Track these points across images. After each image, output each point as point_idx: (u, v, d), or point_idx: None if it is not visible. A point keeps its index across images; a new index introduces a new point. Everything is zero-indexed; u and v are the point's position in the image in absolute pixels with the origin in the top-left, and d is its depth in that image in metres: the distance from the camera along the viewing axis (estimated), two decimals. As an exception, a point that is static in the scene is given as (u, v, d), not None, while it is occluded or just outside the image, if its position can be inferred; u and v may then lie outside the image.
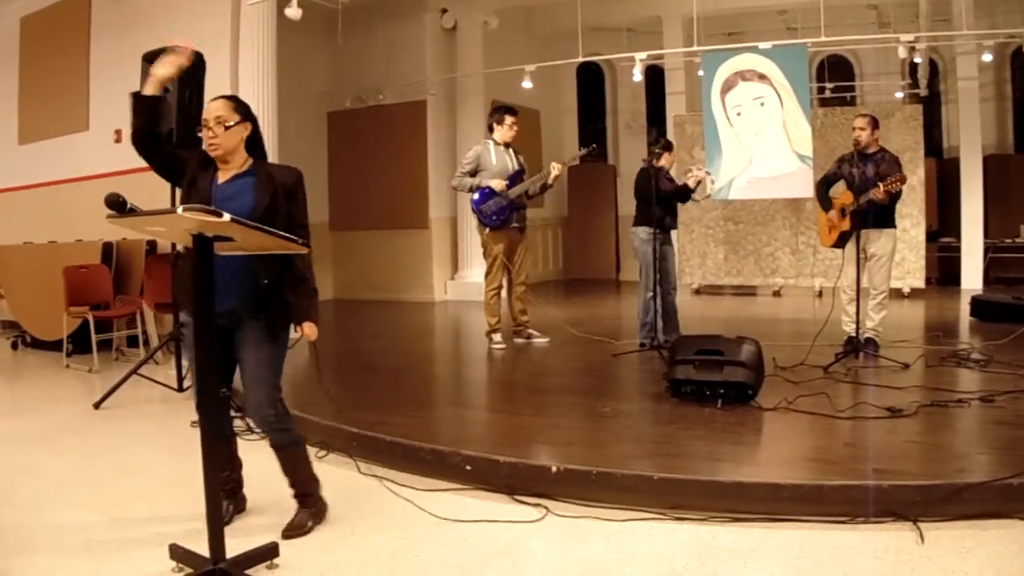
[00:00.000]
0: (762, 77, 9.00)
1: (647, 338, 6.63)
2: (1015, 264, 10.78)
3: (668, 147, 6.86)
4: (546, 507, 3.52)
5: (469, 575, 2.95)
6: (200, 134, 3.20)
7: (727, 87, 9.23)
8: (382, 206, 11.35)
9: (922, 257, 9.85)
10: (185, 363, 6.03)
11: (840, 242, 6.21)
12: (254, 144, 3.29)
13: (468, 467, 3.88)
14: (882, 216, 6.01)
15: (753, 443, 4.16)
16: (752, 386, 4.66)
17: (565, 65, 11.72)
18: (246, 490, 3.60)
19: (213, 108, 3.20)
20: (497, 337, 7.05)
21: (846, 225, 6.08)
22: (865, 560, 2.92)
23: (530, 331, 7.21)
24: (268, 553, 2.97)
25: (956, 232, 10.66)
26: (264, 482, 3.61)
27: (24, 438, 5.07)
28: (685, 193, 6.72)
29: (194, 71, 5.95)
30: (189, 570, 2.86)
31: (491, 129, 7.02)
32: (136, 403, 5.91)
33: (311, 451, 4.41)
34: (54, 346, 7.99)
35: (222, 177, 3.22)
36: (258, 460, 3.63)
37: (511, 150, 6.98)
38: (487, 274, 7.02)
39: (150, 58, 5.95)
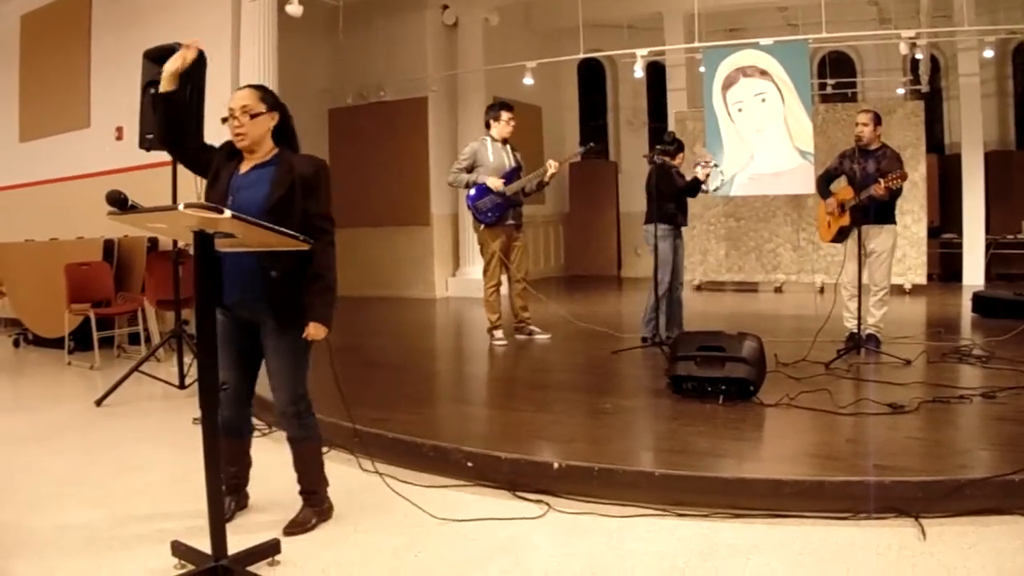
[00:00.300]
0: (763, 73, 9.00)
1: (651, 332, 6.57)
2: (1016, 260, 10.78)
3: (681, 147, 6.88)
4: (548, 503, 3.53)
5: (471, 572, 2.95)
6: (225, 124, 3.17)
7: (728, 83, 9.23)
8: (383, 203, 11.34)
9: (923, 253, 9.85)
10: (188, 359, 6.03)
11: (839, 237, 6.21)
12: (284, 134, 3.25)
13: (470, 463, 3.89)
14: (882, 212, 6.01)
15: (755, 439, 4.16)
16: (754, 382, 4.66)
17: (566, 61, 11.73)
18: (249, 487, 3.60)
19: (239, 97, 3.15)
20: (498, 334, 7.05)
21: (846, 220, 6.08)
22: (867, 556, 2.92)
23: (531, 327, 7.21)
24: (270, 550, 2.97)
25: (958, 228, 10.65)
26: (267, 479, 3.62)
27: (26, 436, 5.07)
28: (696, 187, 6.71)
29: (195, 68, 5.95)
30: (191, 567, 2.86)
31: (488, 125, 7.01)
32: (138, 400, 5.92)
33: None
34: (56, 343, 7.99)
35: (244, 167, 3.19)
36: (262, 458, 3.63)
37: (508, 147, 6.97)
38: (485, 271, 7.02)
39: (151, 55, 5.98)
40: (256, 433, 4.18)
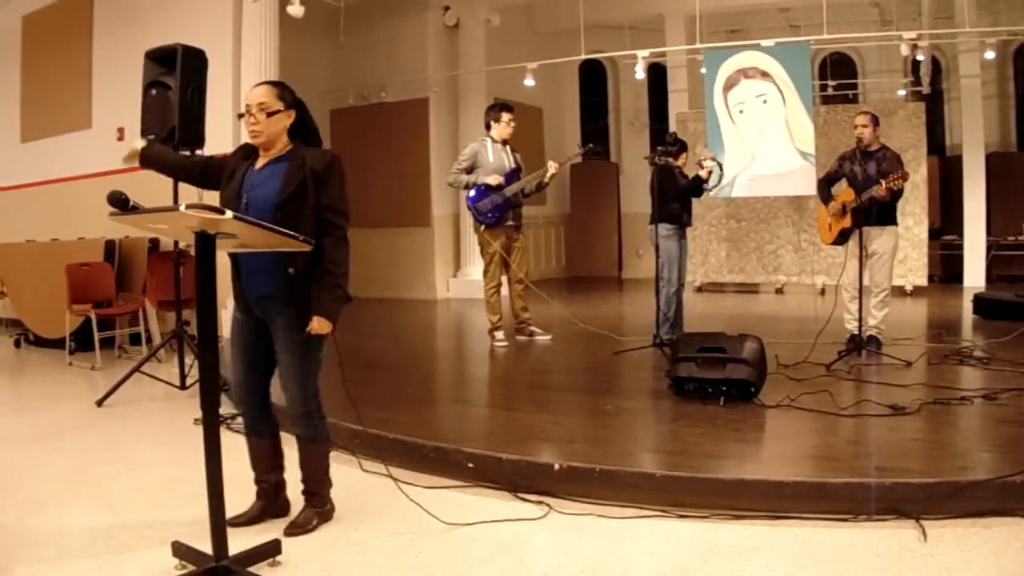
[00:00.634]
0: (764, 74, 9.00)
1: (668, 333, 6.57)
2: (1018, 262, 10.76)
3: (684, 147, 6.90)
4: (548, 504, 3.53)
5: (472, 573, 2.95)
6: (242, 120, 3.16)
7: (729, 84, 9.23)
8: (384, 204, 11.34)
9: (925, 255, 9.84)
10: (190, 360, 6.04)
11: (841, 239, 6.21)
12: (303, 131, 3.24)
13: (471, 464, 3.89)
14: (884, 214, 6.00)
15: (755, 441, 4.15)
16: (755, 384, 4.66)
17: (567, 63, 11.71)
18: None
19: (256, 94, 3.13)
20: (499, 335, 7.05)
21: (848, 222, 6.07)
22: (867, 558, 2.92)
23: (532, 328, 7.21)
24: (270, 550, 2.97)
25: (959, 230, 10.65)
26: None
27: (27, 436, 5.07)
28: (698, 186, 6.72)
29: (196, 69, 5.96)
30: (192, 567, 2.86)
31: (488, 127, 7.02)
32: (139, 400, 5.92)
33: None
34: (57, 344, 7.99)
35: (259, 164, 3.19)
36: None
37: (508, 148, 6.97)
38: (485, 272, 7.03)
39: (153, 55, 5.99)
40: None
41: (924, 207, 9.78)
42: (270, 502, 3.45)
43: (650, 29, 12.16)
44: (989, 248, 10.49)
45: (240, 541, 2.93)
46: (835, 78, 12.44)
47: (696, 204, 7.95)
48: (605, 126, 14.52)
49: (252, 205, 3.01)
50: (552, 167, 6.85)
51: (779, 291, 10.76)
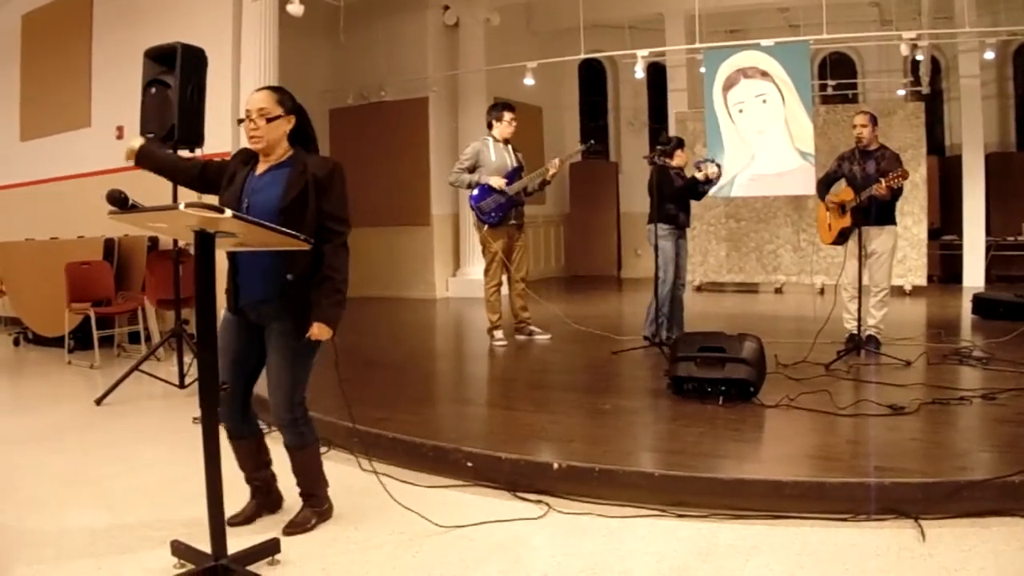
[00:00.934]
0: (764, 74, 9.00)
1: (651, 333, 6.59)
2: (1017, 262, 10.77)
3: (680, 144, 6.88)
4: (547, 504, 3.53)
5: (470, 572, 2.96)
6: (241, 125, 3.16)
7: (729, 84, 9.23)
8: (384, 203, 11.33)
9: (924, 255, 9.85)
10: (189, 358, 6.04)
11: (840, 239, 6.21)
12: (303, 136, 3.24)
13: (469, 464, 3.89)
14: (883, 213, 6.01)
15: (755, 440, 4.16)
16: (754, 383, 4.66)
17: (567, 62, 11.72)
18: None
19: (256, 99, 3.11)
20: (498, 334, 7.05)
21: (847, 222, 6.07)
22: (866, 558, 2.92)
23: (531, 328, 7.21)
24: (269, 549, 2.97)
25: (958, 230, 10.65)
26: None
27: (26, 435, 5.07)
28: (694, 187, 6.71)
29: (196, 68, 5.96)
30: (191, 566, 2.86)
31: (490, 126, 7.02)
32: (138, 399, 5.92)
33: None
34: (56, 342, 7.99)
35: (260, 169, 3.18)
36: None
37: (510, 147, 6.98)
38: (486, 271, 7.03)
39: (152, 54, 5.99)
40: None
41: (923, 207, 9.79)
42: (264, 498, 3.48)
43: (650, 28, 12.16)
44: (988, 248, 10.49)
45: (239, 540, 2.94)
46: (835, 78, 12.45)
47: (695, 204, 7.95)
48: (604, 125, 14.51)
49: (253, 209, 2.99)
50: (554, 165, 6.87)
51: (778, 291, 10.77)
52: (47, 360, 7.81)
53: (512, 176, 6.85)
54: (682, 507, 3.39)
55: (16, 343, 8.74)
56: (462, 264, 11.33)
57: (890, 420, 4.22)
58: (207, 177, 3.31)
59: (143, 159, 3.26)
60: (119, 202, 2.75)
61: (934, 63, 11.92)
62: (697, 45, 9.74)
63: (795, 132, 8.94)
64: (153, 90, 5.93)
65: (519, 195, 6.88)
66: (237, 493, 3.29)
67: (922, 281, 9.85)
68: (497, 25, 11.22)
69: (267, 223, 2.70)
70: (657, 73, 12.90)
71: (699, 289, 11.15)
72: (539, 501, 3.56)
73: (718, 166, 6.79)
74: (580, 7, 9.32)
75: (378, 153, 11.32)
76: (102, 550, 3.18)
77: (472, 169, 6.90)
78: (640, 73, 10.03)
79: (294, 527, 3.29)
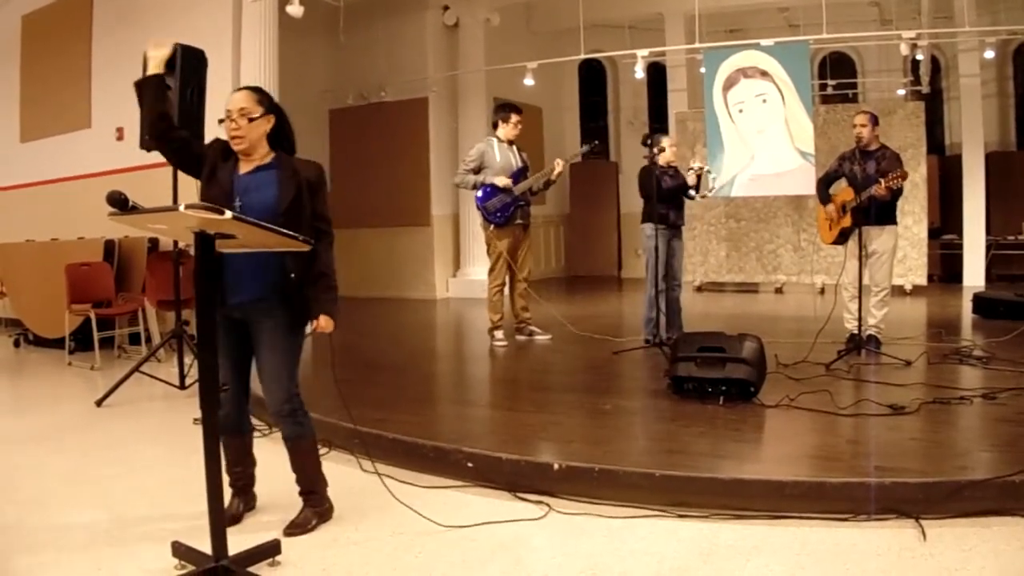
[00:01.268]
0: (764, 74, 9.00)
1: (651, 334, 6.63)
2: (1017, 261, 10.77)
3: (658, 138, 6.73)
4: (548, 504, 3.53)
5: (471, 572, 2.96)
6: (222, 125, 3.19)
7: (729, 84, 9.23)
8: (384, 203, 11.34)
9: (924, 254, 9.84)
10: (189, 360, 6.05)
11: (841, 239, 6.21)
12: (279, 137, 3.27)
13: (470, 464, 3.89)
14: (883, 213, 6.00)
15: (755, 440, 4.16)
16: (754, 383, 4.66)
17: (567, 62, 11.72)
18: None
19: (237, 99, 3.17)
20: (499, 334, 7.05)
21: (847, 222, 6.07)
22: (867, 558, 2.92)
23: (532, 328, 7.21)
24: (270, 550, 2.98)
25: (958, 229, 10.65)
26: (267, 480, 3.62)
27: (26, 436, 5.08)
28: (685, 189, 6.71)
29: (196, 69, 5.96)
30: (191, 567, 2.86)
31: (495, 126, 7.04)
32: (138, 400, 5.92)
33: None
34: (56, 344, 7.99)
35: (244, 168, 3.21)
36: (263, 458, 3.62)
37: (515, 147, 7.00)
38: (490, 271, 7.04)
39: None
40: (256, 434, 4.19)
41: (924, 206, 9.78)
42: (245, 496, 3.52)
43: (649, 28, 12.16)
44: (989, 247, 10.48)
45: (239, 541, 2.94)
46: (834, 77, 12.44)
47: (695, 204, 7.96)
48: (604, 126, 14.51)
49: (250, 211, 3.00)
50: (559, 165, 6.89)
51: (779, 291, 10.76)
52: (47, 361, 7.82)
53: (517, 176, 6.87)
54: (682, 507, 3.39)
55: (16, 344, 8.74)
56: (462, 265, 11.33)
57: (891, 420, 4.22)
58: (189, 145, 3.26)
59: (149, 86, 3.18)
60: (119, 203, 2.76)
61: (934, 62, 11.91)
62: (697, 45, 9.75)
63: (795, 132, 8.93)
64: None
65: (524, 195, 6.90)
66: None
67: (922, 280, 9.85)
68: (497, 25, 11.22)
69: (267, 224, 2.71)
70: (657, 73, 12.89)
71: (699, 289, 11.15)
72: (539, 502, 3.56)
73: (708, 172, 6.79)
74: (580, 7, 9.32)
75: (378, 153, 11.32)
76: (102, 550, 3.19)
77: (477, 170, 6.91)
78: (640, 73, 10.03)
79: (295, 528, 3.29)
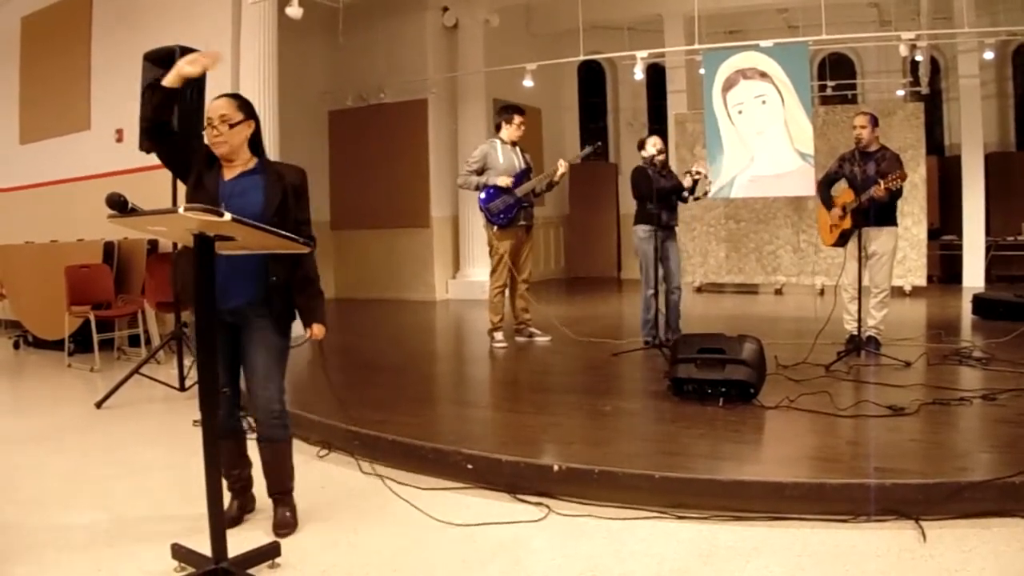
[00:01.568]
0: (763, 75, 9.00)
1: (649, 336, 6.63)
2: (1017, 262, 10.77)
3: (656, 134, 6.83)
4: (548, 506, 3.53)
5: (471, 574, 2.96)
6: (204, 132, 3.20)
7: (728, 85, 9.23)
8: (383, 205, 11.35)
9: (924, 255, 9.84)
10: (189, 361, 6.05)
11: (841, 241, 6.21)
12: (255, 143, 3.30)
13: (470, 466, 3.89)
14: (883, 214, 6.00)
15: (755, 442, 4.15)
16: (754, 385, 4.66)
17: (566, 64, 11.73)
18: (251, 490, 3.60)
19: (217, 106, 3.20)
20: (499, 335, 7.05)
21: (847, 223, 6.07)
22: (867, 559, 2.92)
23: (531, 329, 7.21)
24: (270, 552, 2.97)
25: (958, 230, 10.65)
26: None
27: (26, 437, 5.07)
28: (680, 190, 6.70)
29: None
30: (191, 569, 2.86)
31: (499, 128, 7.04)
32: (138, 402, 5.92)
33: (312, 450, 4.44)
34: (56, 345, 7.99)
35: (228, 174, 3.23)
36: (257, 460, 3.62)
37: (518, 149, 7.00)
38: (492, 272, 7.03)
39: (151, 57, 5.99)
40: (250, 436, 4.19)
41: (923, 207, 9.78)
42: (244, 498, 3.54)
43: (649, 30, 12.17)
44: (988, 248, 10.49)
45: (239, 543, 2.93)
46: (834, 78, 12.45)
47: (695, 205, 7.96)
48: (604, 127, 14.52)
49: (237, 215, 3.01)
50: (563, 166, 6.89)
51: (778, 292, 10.76)
52: (47, 363, 7.81)
53: (520, 177, 6.87)
54: (682, 509, 3.39)
55: (16, 346, 8.74)
56: (462, 266, 11.33)
57: (890, 421, 4.22)
58: (182, 149, 3.26)
59: (166, 94, 3.14)
60: (118, 205, 2.75)
61: (933, 63, 11.92)
62: (696, 46, 9.74)
63: (794, 133, 8.93)
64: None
65: (528, 197, 6.90)
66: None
67: (922, 281, 9.85)
68: (496, 27, 11.23)
69: (267, 227, 2.72)
70: (656, 74, 12.90)
71: (699, 290, 11.15)
72: (539, 503, 3.56)
73: (706, 176, 6.79)
74: (579, 8, 9.32)
75: (377, 155, 11.33)
76: (102, 552, 3.18)
77: (481, 171, 6.91)
78: (639, 74, 10.03)
79: (283, 528, 3.32)
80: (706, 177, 6.84)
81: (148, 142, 3.23)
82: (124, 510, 3.67)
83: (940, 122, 12.27)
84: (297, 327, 3.38)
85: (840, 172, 6.24)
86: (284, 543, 3.08)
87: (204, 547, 2.82)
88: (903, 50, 8.77)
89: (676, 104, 11.79)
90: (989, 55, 9.91)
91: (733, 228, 10.84)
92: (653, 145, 6.63)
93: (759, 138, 9.13)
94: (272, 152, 3.52)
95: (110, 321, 7.76)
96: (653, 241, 6.57)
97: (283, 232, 2.77)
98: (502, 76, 10.67)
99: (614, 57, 12.06)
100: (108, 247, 8.09)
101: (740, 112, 9.20)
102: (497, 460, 3.84)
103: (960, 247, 10.57)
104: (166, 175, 5.74)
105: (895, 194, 5.88)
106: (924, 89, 11.37)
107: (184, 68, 3.06)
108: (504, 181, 6.76)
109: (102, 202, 2.81)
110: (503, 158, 6.89)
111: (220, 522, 2.78)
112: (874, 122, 6.07)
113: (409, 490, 3.76)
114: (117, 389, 5.88)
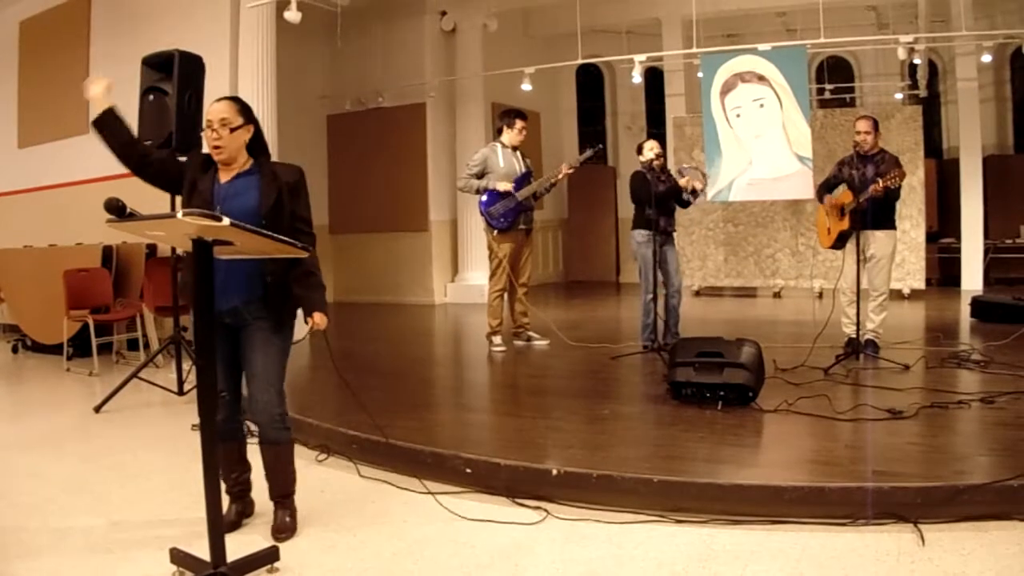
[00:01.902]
0: (761, 79, 9.00)
1: (648, 340, 6.63)
2: (1015, 265, 10.78)
3: (654, 138, 6.86)
4: (546, 510, 3.52)
5: (470, 578, 2.96)
6: (203, 136, 3.20)
7: (726, 89, 9.23)
8: (382, 209, 11.35)
9: (922, 258, 9.85)
10: (187, 365, 6.05)
11: (839, 243, 6.21)
12: (256, 146, 3.31)
13: (468, 470, 3.88)
14: (882, 217, 6.01)
15: (753, 445, 4.15)
16: (752, 388, 4.66)
17: (564, 67, 11.72)
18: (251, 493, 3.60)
19: (217, 110, 3.20)
20: (497, 339, 7.05)
21: (845, 225, 6.07)
22: (866, 562, 2.92)
23: (530, 333, 7.21)
24: (269, 557, 2.97)
25: (956, 233, 10.66)
26: (265, 485, 3.60)
27: (25, 442, 5.07)
28: (679, 194, 6.70)
29: (194, 75, 5.97)
30: (190, 574, 2.86)
31: (499, 132, 7.05)
32: (137, 407, 5.91)
33: (311, 454, 4.44)
34: (54, 350, 7.99)
35: (224, 177, 3.24)
36: (257, 464, 3.61)
37: (518, 153, 7.00)
38: (491, 276, 7.03)
39: (150, 61, 6.00)
40: (252, 440, 4.19)
41: (921, 210, 9.79)
42: (243, 502, 3.53)
43: (647, 33, 12.19)
44: (987, 251, 10.49)
45: (237, 547, 2.93)
46: (832, 82, 12.48)
47: (693, 208, 7.96)
48: (602, 130, 14.54)
49: (231, 216, 3.01)
50: (564, 167, 6.89)
51: (777, 295, 10.76)
52: (45, 367, 7.81)
53: (520, 181, 6.87)
54: (681, 512, 3.39)
55: (15, 350, 8.73)
56: (460, 269, 11.33)
57: (889, 424, 4.22)
58: (166, 169, 3.33)
59: (101, 124, 3.22)
60: (117, 210, 2.75)
61: (931, 66, 11.95)
62: (695, 50, 9.75)
63: (793, 136, 8.94)
64: (151, 97, 5.94)
65: (528, 200, 6.90)
66: (236, 500, 3.29)
67: (920, 284, 9.85)
68: (494, 30, 11.23)
69: (265, 232, 2.72)
70: (655, 78, 12.92)
71: (698, 294, 11.15)
72: (538, 507, 3.56)
73: (704, 175, 6.79)
74: (577, 12, 9.33)
75: (376, 159, 11.34)
76: (100, 556, 3.18)
77: (481, 175, 6.91)
78: (638, 78, 10.03)
79: (283, 531, 3.32)
80: (704, 175, 6.83)
81: (134, 173, 3.28)
82: (123, 514, 3.66)
83: (938, 125, 12.29)
84: (300, 329, 3.37)
85: (839, 176, 6.24)
86: (283, 547, 3.08)
87: (203, 551, 2.81)
88: (901, 53, 8.78)
89: (674, 107, 11.80)
90: (987, 58, 9.93)
91: (732, 231, 10.85)
92: (651, 150, 6.63)
93: (757, 141, 9.14)
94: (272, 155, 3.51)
95: (109, 325, 7.76)
96: (651, 245, 6.57)
97: (281, 237, 2.77)
98: (500, 80, 10.68)
99: (612, 61, 12.06)
100: (107, 251, 8.09)
101: (738, 115, 9.20)
102: (496, 464, 3.83)
103: (958, 250, 10.57)
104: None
105: (893, 196, 5.88)
106: (922, 92, 11.38)
107: (89, 93, 3.21)
108: (503, 186, 6.76)
109: (101, 206, 2.82)
110: (503, 162, 6.89)
111: (219, 526, 2.78)
112: (876, 127, 6.07)
113: (408, 494, 3.76)
114: (116, 393, 5.87)
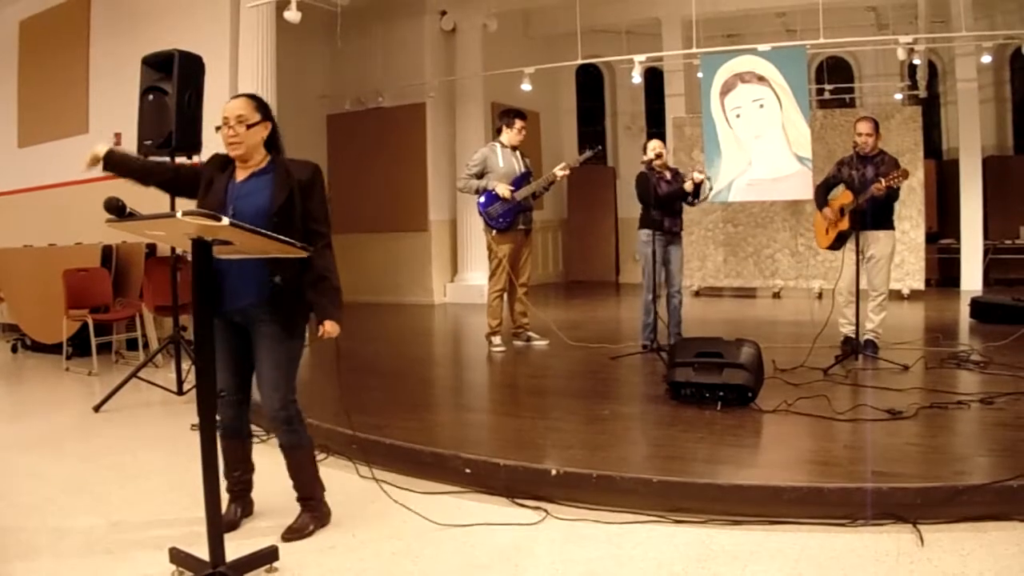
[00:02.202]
0: (761, 79, 9.01)
1: (647, 340, 6.64)
2: (1015, 265, 10.79)
3: (656, 137, 6.87)
4: (546, 510, 3.52)
5: (469, 578, 2.96)
6: (219, 132, 3.20)
7: (726, 89, 9.24)
8: (382, 209, 11.35)
9: (922, 259, 9.86)
10: (187, 365, 6.05)
11: (837, 243, 6.20)
12: (273, 144, 3.29)
13: (468, 470, 3.88)
14: (881, 217, 6.01)
15: (753, 445, 4.16)
16: (752, 388, 4.66)
17: (564, 67, 11.72)
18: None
19: (234, 106, 3.18)
20: (497, 340, 7.05)
21: (845, 225, 6.07)
22: (865, 563, 2.92)
23: (529, 333, 7.21)
24: (268, 557, 2.97)
25: (956, 234, 10.66)
26: (265, 485, 3.61)
27: (24, 441, 5.06)
28: (682, 195, 6.70)
29: (194, 74, 5.97)
30: (189, 573, 2.86)
31: (499, 131, 7.05)
32: (136, 406, 5.91)
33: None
34: (54, 349, 7.98)
35: (240, 176, 3.23)
36: (260, 464, 3.62)
37: (518, 152, 7.00)
38: (491, 276, 7.03)
39: (150, 61, 6.00)
40: (255, 439, 4.19)
41: (921, 211, 9.80)
42: (242, 502, 3.51)
43: (647, 33, 12.19)
44: (986, 252, 10.50)
45: (237, 547, 2.93)
46: (832, 82, 12.48)
47: (693, 208, 7.96)
48: (602, 130, 14.55)
49: (241, 215, 3.00)
50: (564, 168, 6.90)
51: (776, 295, 10.77)
52: (45, 367, 7.80)
53: (520, 182, 6.87)
54: (680, 513, 3.39)
55: (14, 350, 8.73)
56: (460, 269, 11.33)
57: (888, 425, 4.22)
58: (181, 180, 3.34)
59: (110, 166, 3.23)
60: (117, 210, 2.75)
61: (931, 67, 11.95)
62: (694, 50, 9.75)
63: (792, 137, 8.95)
64: (151, 97, 5.94)
65: (527, 200, 6.90)
66: (235, 500, 3.29)
67: (920, 285, 9.86)
68: (494, 31, 11.24)
69: (264, 231, 2.71)
70: (654, 78, 12.92)
71: (697, 294, 11.16)
72: (537, 507, 3.56)
73: (708, 178, 6.79)
74: (577, 12, 9.33)
75: (376, 159, 11.34)
76: (100, 556, 3.18)
77: (480, 175, 6.91)
78: (637, 78, 10.04)
79: (293, 533, 3.29)
80: (708, 179, 6.84)
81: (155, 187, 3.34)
82: (122, 514, 3.66)
83: (938, 126, 12.30)
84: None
85: (839, 176, 6.24)
86: (282, 547, 3.07)
87: (202, 551, 2.81)
88: (901, 54, 8.78)
89: (674, 108, 11.80)
90: (987, 59, 9.94)
91: (731, 232, 10.85)
92: (652, 149, 6.64)
93: (757, 142, 9.14)
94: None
95: (108, 325, 7.76)
96: (652, 245, 6.58)
97: (281, 237, 2.75)
98: (500, 80, 10.68)
99: (612, 61, 12.06)
100: (106, 251, 8.08)
101: (738, 116, 9.21)
102: (495, 464, 3.83)
103: (958, 251, 10.58)
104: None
105: (893, 196, 5.88)
106: (922, 93, 11.39)
107: (87, 165, 3.20)
108: (503, 190, 6.75)
109: (100, 206, 2.82)
110: (503, 162, 6.89)
111: (218, 526, 2.78)
112: (877, 129, 6.06)
113: (407, 494, 3.76)
114: (115, 393, 5.87)
